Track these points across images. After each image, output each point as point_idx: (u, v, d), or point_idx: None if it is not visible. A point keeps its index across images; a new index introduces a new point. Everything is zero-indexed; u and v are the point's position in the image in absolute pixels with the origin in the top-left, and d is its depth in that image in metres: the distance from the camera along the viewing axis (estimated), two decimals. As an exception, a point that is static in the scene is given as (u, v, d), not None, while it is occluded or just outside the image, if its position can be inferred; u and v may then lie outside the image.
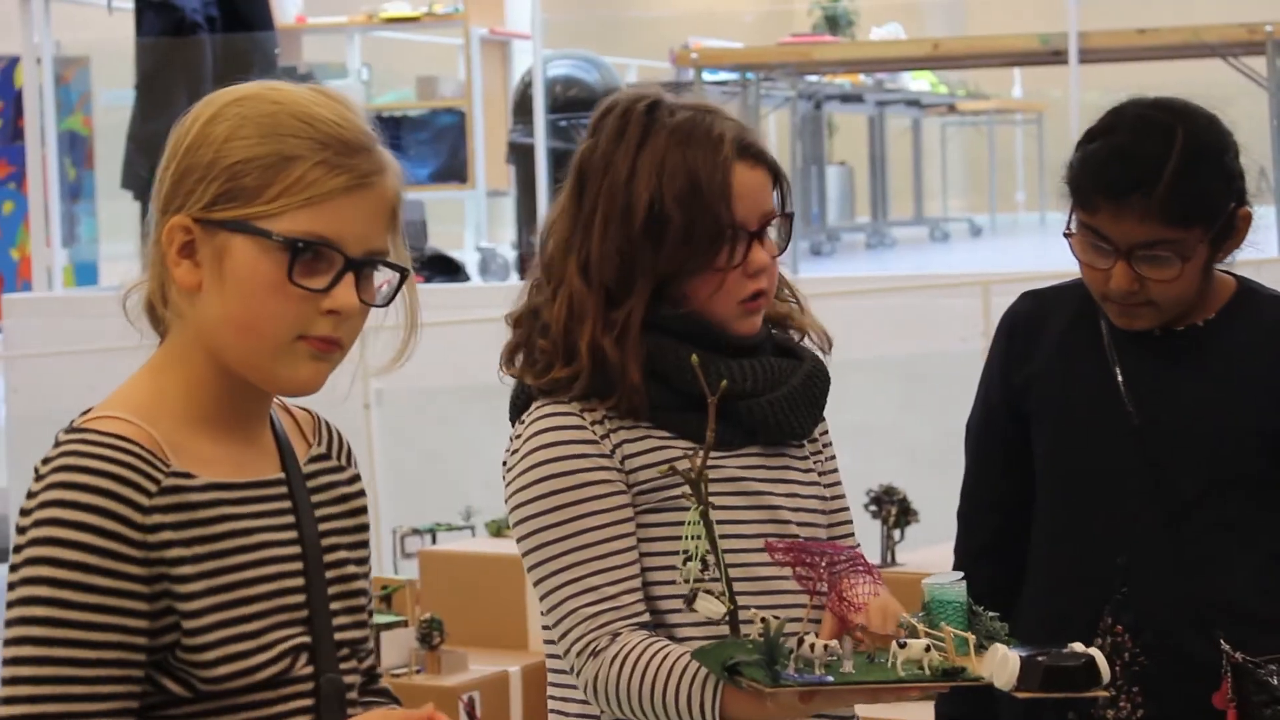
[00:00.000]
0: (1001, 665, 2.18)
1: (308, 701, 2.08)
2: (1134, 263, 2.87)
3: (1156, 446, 2.95)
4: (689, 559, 2.32)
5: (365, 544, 2.24)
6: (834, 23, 12.59)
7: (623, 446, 2.51)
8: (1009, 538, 3.07)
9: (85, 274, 10.18)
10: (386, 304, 2.11)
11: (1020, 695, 2.20)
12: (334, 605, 2.13)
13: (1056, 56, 9.07)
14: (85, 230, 10.61)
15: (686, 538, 2.31)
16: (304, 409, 2.23)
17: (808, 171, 12.27)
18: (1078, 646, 2.22)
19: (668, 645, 2.44)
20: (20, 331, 8.99)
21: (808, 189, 12.19)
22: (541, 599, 2.52)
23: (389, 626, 5.14)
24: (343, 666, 2.12)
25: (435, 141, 10.70)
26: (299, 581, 2.10)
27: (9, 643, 1.97)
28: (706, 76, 10.38)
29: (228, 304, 2.04)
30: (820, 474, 2.66)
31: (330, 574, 2.14)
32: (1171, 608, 2.92)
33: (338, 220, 2.04)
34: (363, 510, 2.24)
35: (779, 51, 10.75)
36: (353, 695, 2.15)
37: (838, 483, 2.70)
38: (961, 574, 2.31)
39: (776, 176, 2.58)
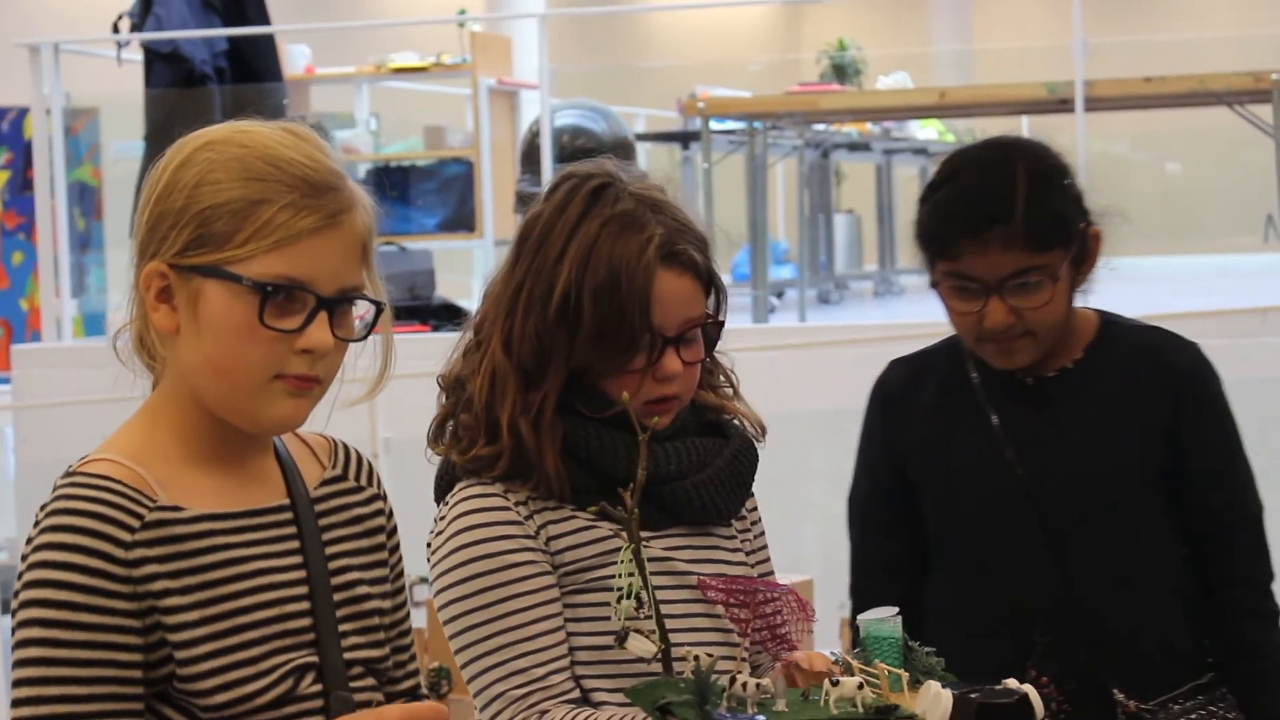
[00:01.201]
0: (934, 703, 2.16)
1: (317, 719, 2.10)
2: (1005, 296, 2.92)
3: (1045, 494, 2.98)
4: (622, 597, 2.29)
5: (384, 563, 2.24)
6: (841, 72, 12.60)
7: (547, 528, 2.47)
8: (910, 604, 3.06)
9: (94, 324, 10.18)
10: (364, 338, 2.13)
11: None
12: (344, 626, 2.14)
13: (1063, 105, 9.07)
14: (94, 281, 10.62)
15: (619, 575, 2.29)
16: (320, 434, 2.25)
17: (815, 220, 12.28)
18: (1011, 683, 2.20)
19: (595, 712, 2.42)
20: (29, 382, 8.99)
21: (815, 237, 12.20)
22: (469, 681, 2.48)
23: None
24: (355, 685, 2.14)
25: (443, 191, 10.72)
26: (304, 605, 2.11)
27: (14, 684, 2.01)
28: (714, 125, 10.39)
29: (204, 347, 2.06)
30: (748, 552, 2.62)
31: (340, 595, 2.15)
32: (1088, 652, 2.95)
33: (308, 261, 2.05)
34: (381, 530, 2.25)
35: (786, 100, 10.75)
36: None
37: (766, 559, 2.67)
38: (897, 610, 2.29)
39: (709, 283, 2.51)
